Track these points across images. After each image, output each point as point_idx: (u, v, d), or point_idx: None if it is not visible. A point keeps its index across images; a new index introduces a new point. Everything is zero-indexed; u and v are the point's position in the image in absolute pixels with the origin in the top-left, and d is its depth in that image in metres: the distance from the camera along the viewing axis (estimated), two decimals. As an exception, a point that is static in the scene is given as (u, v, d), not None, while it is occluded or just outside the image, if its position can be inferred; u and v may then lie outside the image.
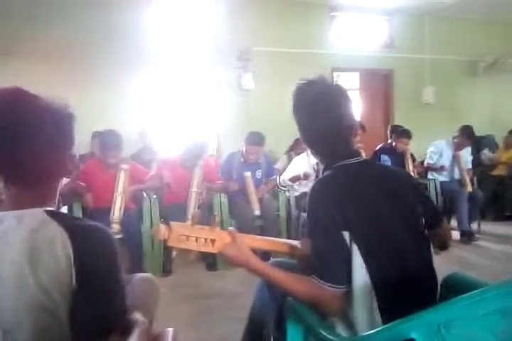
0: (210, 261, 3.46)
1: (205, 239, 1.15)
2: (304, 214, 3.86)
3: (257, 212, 3.62)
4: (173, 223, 1.15)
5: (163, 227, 1.13)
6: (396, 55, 6.35)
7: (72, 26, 4.80)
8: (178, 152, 3.87)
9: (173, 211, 3.38)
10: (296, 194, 3.98)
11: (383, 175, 1.31)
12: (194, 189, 3.55)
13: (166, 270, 3.43)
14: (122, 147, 3.42)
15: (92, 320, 0.81)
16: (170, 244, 1.14)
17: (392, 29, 6.45)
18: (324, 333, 1.04)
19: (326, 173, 1.27)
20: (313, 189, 1.22)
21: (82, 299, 0.81)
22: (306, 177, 3.75)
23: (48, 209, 0.92)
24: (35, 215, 0.88)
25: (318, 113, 1.25)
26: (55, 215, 0.90)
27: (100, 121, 4.15)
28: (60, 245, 0.83)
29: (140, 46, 5.01)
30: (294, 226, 3.96)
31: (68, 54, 4.73)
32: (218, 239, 1.17)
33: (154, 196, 3.63)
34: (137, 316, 0.95)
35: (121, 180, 3.30)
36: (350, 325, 1.16)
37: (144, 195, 3.66)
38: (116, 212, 3.21)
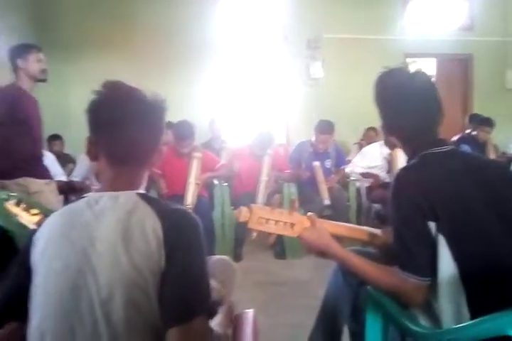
0: (279, 250, 3.49)
1: (285, 223, 1.16)
2: (376, 206, 3.78)
3: (327, 202, 3.58)
4: (254, 205, 1.16)
5: (244, 209, 1.15)
6: (476, 39, 5.92)
7: (145, 19, 5.01)
8: (248, 141, 3.92)
9: (243, 199, 3.43)
10: (367, 184, 3.89)
11: (474, 164, 1.23)
12: (263, 178, 3.59)
13: (236, 256, 3.50)
14: (195, 136, 3.52)
15: (178, 301, 0.84)
16: (250, 226, 1.15)
17: (472, 10, 6.02)
18: (409, 324, 1.00)
19: (411, 162, 1.22)
20: (397, 177, 1.18)
21: (169, 280, 0.84)
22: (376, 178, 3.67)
23: (140, 192, 0.97)
24: (129, 197, 0.93)
25: (407, 100, 1.22)
26: (146, 198, 0.95)
27: (172, 112, 4.29)
28: (150, 227, 0.87)
29: (210, 37, 5.11)
30: (364, 217, 3.87)
31: (142, 45, 4.95)
32: (297, 223, 1.17)
33: (225, 184, 3.71)
34: (219, 297, 0.98)
35: (194, 167, 3.41)
36: (433, 317, 1.11)
37: (216, 183, 3.75)
38: (189, 199, 3.32)
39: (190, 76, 5.08)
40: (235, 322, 0.98)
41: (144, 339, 0.82)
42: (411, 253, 1.10)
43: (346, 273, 1.34)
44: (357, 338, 1.39)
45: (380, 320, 1.19)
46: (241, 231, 3.38)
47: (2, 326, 0.91)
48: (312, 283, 2.75)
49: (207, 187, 3.70)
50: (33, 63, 2.66)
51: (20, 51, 2.67)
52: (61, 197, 2.85)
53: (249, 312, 1.00)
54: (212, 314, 0.87)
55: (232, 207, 3.55)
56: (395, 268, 1.11)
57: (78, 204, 0.95)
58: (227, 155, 4.04)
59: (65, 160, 4.16)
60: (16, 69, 2.66)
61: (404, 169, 1.21)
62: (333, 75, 5.35)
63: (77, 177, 3.77)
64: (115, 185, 0.96)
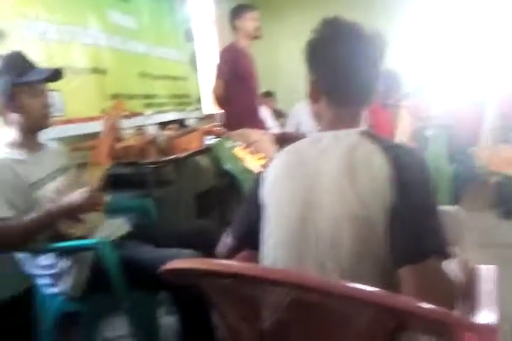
0: (507, 208, 3.05)
1: None
2: None
3: None
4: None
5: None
6: None
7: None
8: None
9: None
10: None
11: None
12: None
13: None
14: (401, 87, 3.27)
15: (411, 239, 0.79)
16: (492, 168, 1.00)
17: None
18: None
19: None
20: None
21: (401, 217, 0.80)
22: None
23: (362, 129, 0.94)
24: (352, 135, 0.92)
25: None
26: (369, 135, 0.92)
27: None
28: (376, 163, 0.84)
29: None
30: None
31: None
32: None
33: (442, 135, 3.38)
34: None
35: (402, 118, 3.19)
36: None
37: (429, 134, 3.45)
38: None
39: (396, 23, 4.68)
40: (472, 275, 0.88)
41: (370, 275, 0.81)
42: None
43: None
44: None
45: None
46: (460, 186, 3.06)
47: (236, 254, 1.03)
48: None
49: (415, 138, 3.44)
50: (249, 21, 2.85)
51: (237, 12, 2.88)
52: (276, 147, 3.06)
53: (491, 268, 0.88)
54: (446, 257, 0.79)
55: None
56: None
57: (302, 143, 0.98)
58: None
59: (277, 115, 4.42)
60: (234, 29, 2.89)
61: None
62: None
63: (288, 128, 3.98)
64: (336, 124, 0.95)
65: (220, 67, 2.81)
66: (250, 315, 0.70)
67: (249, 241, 1.01)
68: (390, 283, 0.79)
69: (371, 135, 0.92)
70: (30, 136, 1.52)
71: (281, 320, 0.66)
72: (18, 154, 1.46)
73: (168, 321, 1.68)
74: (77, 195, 1.41)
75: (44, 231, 1.38)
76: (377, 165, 0.84)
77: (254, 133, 2.77)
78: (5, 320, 1.73)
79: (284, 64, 5.38)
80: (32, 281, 1.53)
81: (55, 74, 1.53)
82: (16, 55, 1.49)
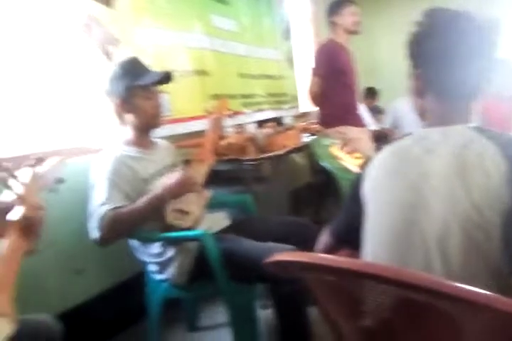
0: None
1: None
2: None
3: None
4: None
5: None
6: None
7: None
8: None
9: None
10: None
11: None
12: None
13: None
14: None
15: None
16: None
17: None
18: None
19: None
20: None
21: None
22: None
23: (473, 125, 0.88)
24: (462, 131, 0.87)
25: None
26: (481, 131, 0.85)
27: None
28: (490, 161, 0.78)
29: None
30: None
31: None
32: None
33: None
34: None
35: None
36: None
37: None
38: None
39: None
40: None
41: (482, 282, 0.75)
42: None
43: None
44: None
45: None
46: None
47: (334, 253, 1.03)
48: None
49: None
50: (347, 16, 2.79)
51: (334, 8, 2.84)
52: (373, 145, 2.97)
53: None
54: None
55: None
56: None
57: (405, 141, 0.94)
58: None
59: (375, 111, 4.29)
60: (332, 24, 2.86)
61: None
62: None
63: (386, 125, 3.85)
64: (444, 120, 0.90)
65: (317, 64, 2.79)
66: (353, 311, 0.69)
67: (348, 240, 1.00)
68: (506, 288, 0.73)
69: (484, 130, 0.85)
70: (143, 134, 1.66)
71: (385, 319, 0.64)
72: (134, 151, 1.61)
73: (262, 315, 1.72)
74: (174, 176, 1.54)
75: (152, 215, 1.51)
76: (493, 164, 0.77)
77: (351, 131, 2.72)
78: (122, 300, 1.91)
79: (383, 58, 5.19)
80: (143, 267, 1.67)
81: (166, 77, 1.65)
82: (132, 60, 1.63)
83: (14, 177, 0.76)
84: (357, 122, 2.82)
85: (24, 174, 0.86)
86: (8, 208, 0.77)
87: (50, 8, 1.81)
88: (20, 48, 1.69)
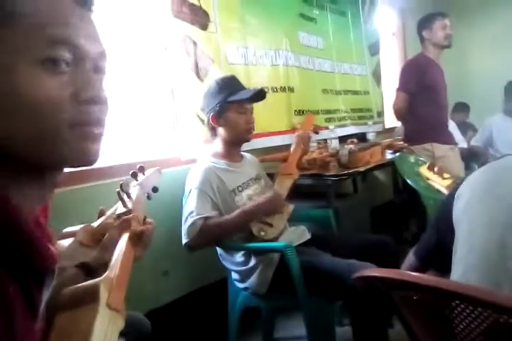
0: None
1: None
2: None
3: None
4: None
5: None
6: None
7: None
8: None
9: None
10: None
11: None
12: None
13: None
14: None
15: None
16: None
17: None
18: None
19: None
20: None
21: None
22: None
23: None
24: None
25: None
26: None
27: None
28: None
29: None
30: None
31: None
32: None
33: None
34: None
35: None
36: None
37: None
38: None
39: None
40: None
41: None
42: None
43: None
44: None
45: None
46: None
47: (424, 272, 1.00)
48: None
49: None
50: (438, 31, 2.71)
51: (425, 22, 2.77)
52: (463, 163, 2.83)
53: None
54: None
55: None
56: None
57: (502, 162, 0.91)
58: None
59: (466, 127, 4.07)
60: (422, 39, 2.79)
61: None
62: None
63: (477, 143, 3.63)
64: None
65: (404, 79, 2.73)
66: (442, 332, 0.68)
67: (434, 262, 0.97)
68: None
69: None
70: (233, 147, 1.75)
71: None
72: (223, 163, 1.70)
73: (338, 331, 1.70)
74: (265, 197, 1.62)
75: (239, 229, 1.58)
76: None
77: (438, 148, 2.61)
78: (206, 303, 2.00)
79: (475, 71, 4.92)
80: (227, 274, 1.74)
81: (261, 94, 1.73)
82: (229, 78, 1.74)
83: (126, 190, 0.83)
84: (445, 139, 2.70)
85: (132, 187, 0.94)
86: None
87: (150, 28, 1.99)
88: (122, 65, 1.87)
